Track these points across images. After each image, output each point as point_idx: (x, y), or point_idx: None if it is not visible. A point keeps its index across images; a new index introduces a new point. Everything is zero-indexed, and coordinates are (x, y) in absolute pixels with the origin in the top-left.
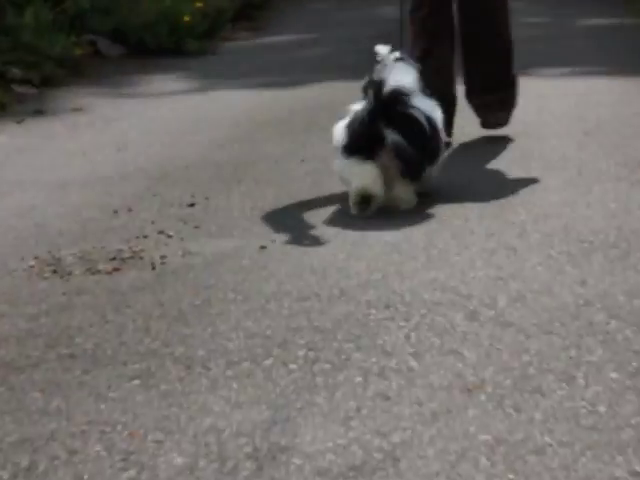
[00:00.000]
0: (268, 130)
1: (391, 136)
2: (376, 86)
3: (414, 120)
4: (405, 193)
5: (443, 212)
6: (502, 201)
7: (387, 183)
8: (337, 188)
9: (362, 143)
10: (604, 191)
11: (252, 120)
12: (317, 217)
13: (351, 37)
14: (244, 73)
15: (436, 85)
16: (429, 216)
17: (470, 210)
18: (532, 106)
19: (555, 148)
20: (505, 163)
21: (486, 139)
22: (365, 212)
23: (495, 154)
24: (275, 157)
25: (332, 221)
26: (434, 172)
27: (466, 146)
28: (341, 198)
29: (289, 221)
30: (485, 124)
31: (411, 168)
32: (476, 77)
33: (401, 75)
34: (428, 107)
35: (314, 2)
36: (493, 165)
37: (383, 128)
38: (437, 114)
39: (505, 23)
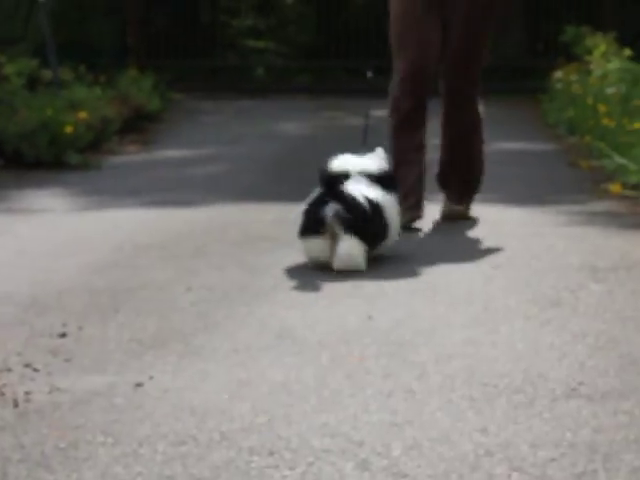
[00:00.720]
0: (152, 255)
1: (333, 207)
2: (321, 173)
3: (350, 196)
4: (351, 248)
5: (337, 349)
6: (402, 338)
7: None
8: (225, 321)
9: (312, 222)
10: (512, 330)
11: (135, 243)
12: (201, 352)
13: (249, 154)
14: (130, 191)
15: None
16: (322, 353)
17: (367, 348)
18: (439, 235)
19: (461, 282)
20: (407, 297)
21: (388, 270)
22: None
23: (397, 287)
24: (158, 284)
25: (217, 357)
26: (388, 241)
27: (363, 276)
28: (229, 333)
29: (170, 356)
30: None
31: (351, 224)
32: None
33: (345, 163)
34: (365, 186)
35: (210, 115)
36: (394, 299)
37: (326, 206)
38: (376, 192)
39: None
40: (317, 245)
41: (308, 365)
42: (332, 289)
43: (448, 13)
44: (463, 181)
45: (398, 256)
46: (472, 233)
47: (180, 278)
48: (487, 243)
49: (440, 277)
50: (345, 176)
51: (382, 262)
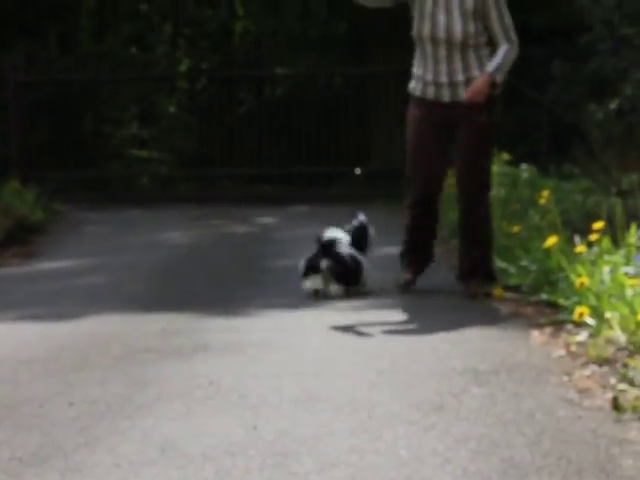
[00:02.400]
0: (34, 369)
1: (325, 262)
2: (317, 239)
3: (339, 254)
4: (338, 290)
5: (222, 461)
6: (286, 448)
7: (327, 287)
8: (107, 435)
9: (311, 267)
10: (395, 436)
11: (17, 358)
12: (82, 468)
13: (133, 264)
14: (11, 304)
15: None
16: (206, 466)
17: (251, 459)
18: (323, 342)
19: (345, 389)
20: (291, 406)
21: (272, 379)
22: (317, 297)
23: (281, 396)
24: (40, 400)
25: (98, 473)
26: (363, 284)
27: (249, 387)
28: (111, 447)
29: (51, 474)
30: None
31: (340, 278)
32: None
33: (334, 233)
34: (348, 249)
35: (94, 225)
36: (278, 408)
37: (322, 260)
38: (355, 253)
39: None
40: (315, 280)
41: (192, 478)
42: (217, 400)
43: (455, 141)
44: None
45: (281, 363)
46: (356, 339)
47: (62, 392)
48: (370, 349)
49: (324, 384)
50: (333, 242)
51: (266, 372)
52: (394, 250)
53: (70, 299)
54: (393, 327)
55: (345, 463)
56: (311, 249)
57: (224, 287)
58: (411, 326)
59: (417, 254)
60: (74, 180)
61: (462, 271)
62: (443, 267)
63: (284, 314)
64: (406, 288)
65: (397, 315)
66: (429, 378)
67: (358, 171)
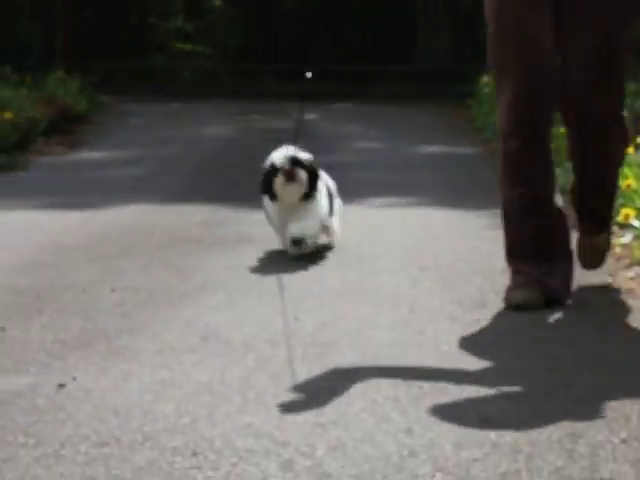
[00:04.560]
0: (76, 255)
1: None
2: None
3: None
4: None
5: (262, 350)
6: (327, 340)
7: None
8: (150, 322)
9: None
10: (436, 332)
11: (59, 244)
12: (125, 353)
13: (176, 156)
14: (55, 192)
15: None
16: (247, 354)
17: (292, 349)
18: (365, 238)
19: (387, 283)
20: (333, 298)
21: (314, 272)
22: None
23: (323, 288)
24: (83, 285)
25: (141, 358)
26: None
27: (290, 278)
28: (154, 334)
29: (94, 357)
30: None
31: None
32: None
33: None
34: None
35: (137, 117)
36: (319, 300)
37: None
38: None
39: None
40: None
41: (233, 366)
42: (258, 291)
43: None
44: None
45: (324, 258)
46: (398, 236)
47: (105, 279)
48: (413, 245)
49: (366, 279)
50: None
51: (308, 264)
52: (435, 149)
53: (113, 188)
54: (435, 225)
55: (386, 356)
56: (348, 148)
57: None
58: (451, 225)
59: (538, 249)
60: (118, 71)
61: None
62: (487, 167)
63: None
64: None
65: (439, 213)
66: (472, 276)
67: (309, 75)
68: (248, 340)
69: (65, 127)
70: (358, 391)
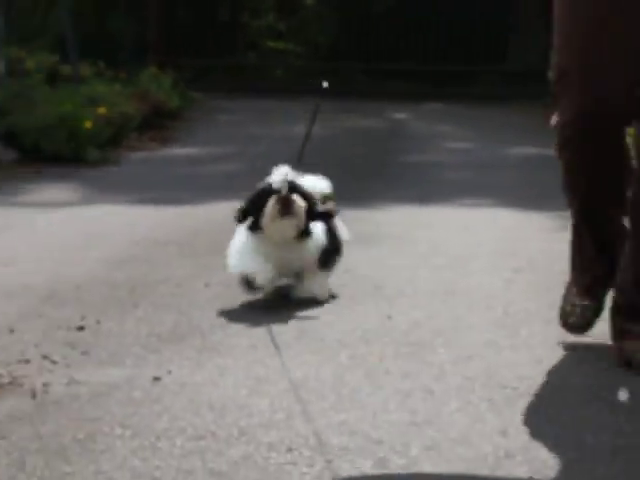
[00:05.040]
0: (170, 250)
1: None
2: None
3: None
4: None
5: (357, 347)
6: (421, 339)
7: None
8: (242, 317)
9: None
10: (531, 334)
11: (152, 239)
12: (219, 348)
13: (266, 154)
14: (147, 187)
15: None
16: (341, 352)
17: (386, 347)
18: (458, 238)
19: (481, 284)
20: (426, 298)
21: (408, 271)
22: None
23: (416, 288)
24: (176, 280)
25: (235, 354)
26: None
27: (384, 278)
28: (247, 329)
29: (188, 351)
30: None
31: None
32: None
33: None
34: None
35: (229, 114)
36: (413, 300)
37: None
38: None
39: None
40: None
41: (327, 363)
42: (352, 289)
43: None
44: None
45: (417, 258)
46: (491, 237)
47: (198, 274)
48: (507, 247)
49: (460, 279)
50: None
51: (401, 264)
52: (527, 150)
53: (204, 185)
54: (528, 227)
55: (480, 356)
56: (439, 148)
57: (356, 180)
58: (546, 227)
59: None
60: (210, 68)
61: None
62: None
63: (418, 208)
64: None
65: (532, 215)
66: (566, 278)
67: (325, 84)
68: (342, 338)
69: (157, 123)
70: (452, 391)
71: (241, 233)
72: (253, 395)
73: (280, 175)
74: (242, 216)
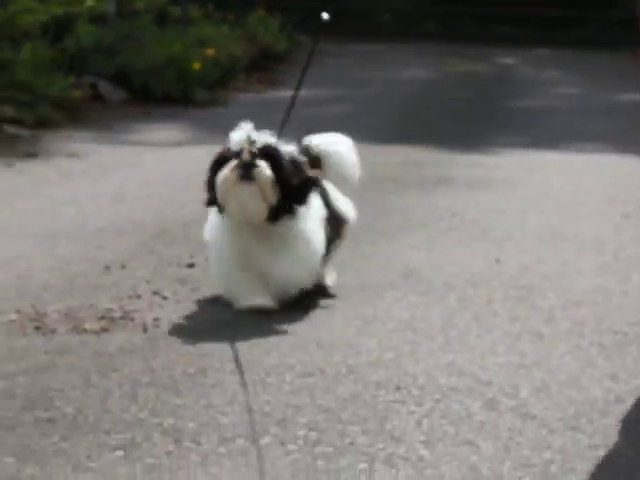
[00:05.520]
0: None
1: None
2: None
3: None
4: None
5: (464, 290)
6: (530, 283)
7: None
8: (351, 258)
9: None
10: None
11: None
12: (349, 286)
13: (374, 97)
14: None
15: None
16: (448, 294)
17: (494, 291)
18: (567, 183)
19: (589, 229)
20: (535, 242)
21: (515, 215)
22: None
23: (524, 232)
24: None
25: (343, 294)
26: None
27: (492, 221)
28: (356, 270)
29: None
30: None
31: None
32: None
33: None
34: None
35: (335, 57)
36: (521, 243)
37: None
38: None
39: None
40: None
41: (434, 305)
42: (459, 232)
43: None
44: None
45: (526, 202)
46: (599, 182)
47: None
48: (616, 193)
49: (568, 224)
50: None
51: (510, 208)
52: (634, 97)
53: (312, 126)
54: (636, 173)
55: (590, 301)
56: (547, 93)
57: (464, 124)
58: None
59: None
60: (317, 11)
61: None
62: None
63: (527, 153)
64: None
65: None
66: None
67: (326, 16)
68: (449, 280)
69: (264, 65)
70: (562, 335)
71: (212, 219)
72: (361, 335)
73: (240, 135)
74: (209, 196)
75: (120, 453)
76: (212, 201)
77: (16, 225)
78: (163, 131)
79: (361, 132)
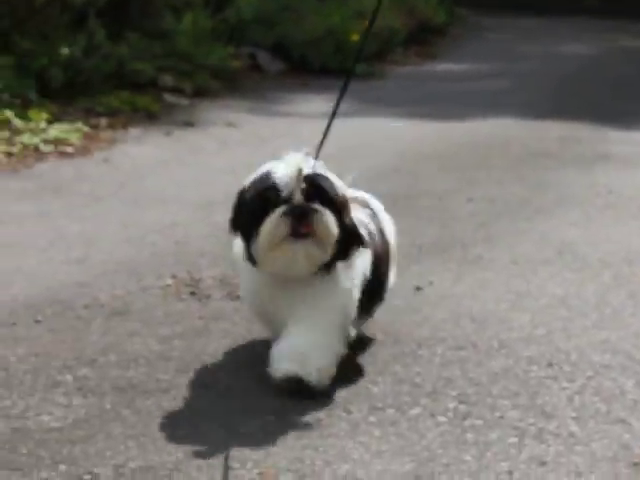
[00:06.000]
0: (432, 164)
1: None
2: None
3: None
4: None
5: (620, 268)
6: None
7: None
8: (505, 233)
9: None
10: None
11: (416, 152)
12: (480, 262)
13: (531, 72)
14: (411, 101)
15: None
16: (603, 271)
17: None
18: None
19: None
20: None
21: None
22: None
23: None
24: (439, 193)
25: (496, 268)
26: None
27: None
28: (509, 245)
29: (449, 263)
30: None
31: None
32: None
33: None
34: None
35: (493, 32)
36: None
37: None
38: None
39: None
40: None
41: (589, 282)
42: (616, 209)
43: None
44: None
45: None
46: None
47: (460, 189)
48: None
49: None
50: None
51: None
52: None
53: (469, 101)
54: None
55: None
56: None
57: (625, 100)
58: None
59: None
60: None
61: None
62: None
63: None
64: None
65: None
66: None
67: None
68: (604, 257)
69: (422, 38)
70: None
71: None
72: (514, 309)
73: (292, 165)
74: (234, 228)
75: (272, 418)
76: (246, 256)
77: (174, 193)
78: (319, 102)
79: (517, 106)
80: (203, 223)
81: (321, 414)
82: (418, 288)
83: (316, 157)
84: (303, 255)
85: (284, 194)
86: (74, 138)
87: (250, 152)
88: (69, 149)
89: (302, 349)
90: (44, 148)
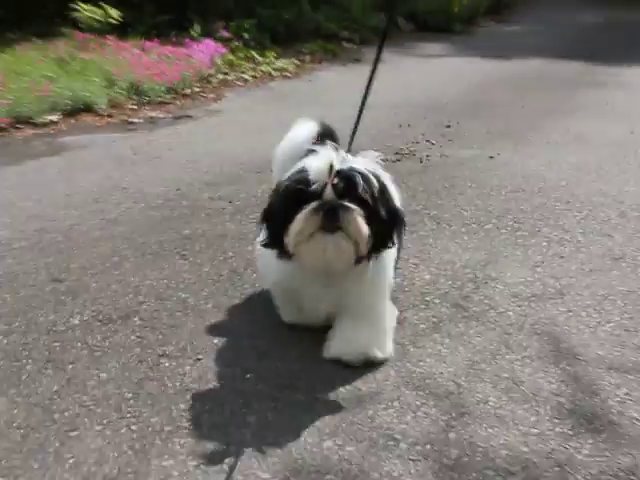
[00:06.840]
0: (499, 85)
1: None
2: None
3: None
4: None
5: (611, 148)
6: None
7: None
8: (545, 124)
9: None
10: None
11: (488, 77)
12: (529, 143)
13: (561, 33)
14: (486, 48)
15: None
16: (601, 150)
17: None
18: None
19: None
20: None
21: None
22: None
23: None
24: (503, 103)
25: (538, 146)
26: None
27: (630, 107)
28: (546, 131)
29: (510, 143)
30: None
31: None
32: None
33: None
34: None
35: (545, 8)
36: None
37: None
38: None
39: None
40: None
41: (592, 155)
42: (610, 115)
43: None
44: None
45: None
46: None
47: (517, 100)
48: None
49: None
50: None
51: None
52: None
53: (522, 48)
54: None
55: None
56: None
57: (619, 49)
58: None
59: None
60: None
61: None
62: None
63: None
64: None
65: None
66: None
67: None
68: (601, 141)
69: (496, 9)
70: None
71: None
72: (547, 170)
73: (324, 160)
74: (269, 237)
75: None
76: (275, 244)
77: (351, 99)
78: (432, 48)
79: (553, 52)
80: (364, 118)
81: (434, 226)
82: (491, 157)
83: (348, 150)
84: (333, 247)
85: (315, 190)
86: (291, 67)
87: (392, 77)
88: (288, 74)
89: (364, 341)
90: (274, 73)
